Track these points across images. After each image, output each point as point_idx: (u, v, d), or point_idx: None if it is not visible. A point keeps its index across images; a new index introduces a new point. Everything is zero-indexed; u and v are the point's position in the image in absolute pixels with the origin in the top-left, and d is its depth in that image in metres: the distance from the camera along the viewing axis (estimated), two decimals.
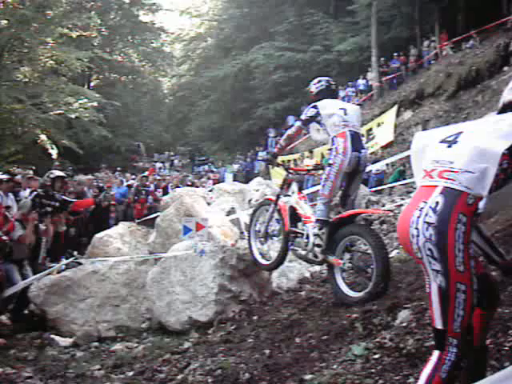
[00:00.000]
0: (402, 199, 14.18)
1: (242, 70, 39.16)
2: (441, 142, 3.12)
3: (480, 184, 2.88)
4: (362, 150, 6.46)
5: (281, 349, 5.44)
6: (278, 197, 7.16)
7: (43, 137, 25.24)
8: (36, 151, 26.11)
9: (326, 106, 6.62)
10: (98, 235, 10.95)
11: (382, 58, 29.80)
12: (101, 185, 17.41)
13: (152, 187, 18.10)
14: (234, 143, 41.92)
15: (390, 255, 8.19)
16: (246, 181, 20.38)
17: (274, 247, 7.34)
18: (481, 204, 2.90)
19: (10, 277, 8.48)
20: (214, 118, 44.17)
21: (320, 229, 6.51)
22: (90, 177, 19.64)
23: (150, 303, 7.89)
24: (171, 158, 48.26)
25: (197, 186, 19.82)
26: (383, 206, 13.69)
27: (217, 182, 25.32)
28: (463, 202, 2.85)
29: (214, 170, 37.69)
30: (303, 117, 6.80)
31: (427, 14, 28.62)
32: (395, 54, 29.42)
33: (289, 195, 7.13)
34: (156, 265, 8.20)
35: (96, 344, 7.53)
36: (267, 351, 5.47)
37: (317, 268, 8.94)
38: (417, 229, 2.88)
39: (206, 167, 41.40)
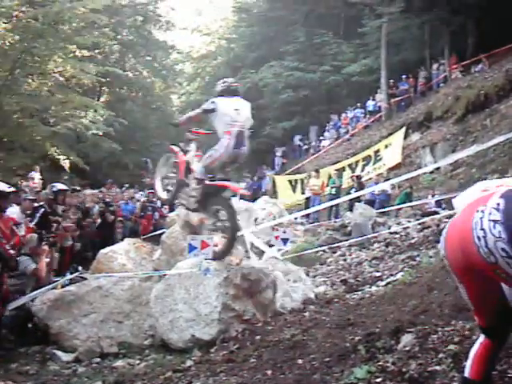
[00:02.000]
0: (409, 221, 14.18)
1: (251, 89, 39.16)
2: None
3: None
4: (242, 148, 7.71)
5: (283, 370, 5.42)
6: (180, 150, 8.80)
7: (52, 150, 25.36)
8: (45, 165, 26.21)
9: (222, 105, 7.69)
10: (103, 251, 10.92)
11: (391, 80, 29.86)
12: (107, 200, 17.40)
13: (159, 203, 18.09)
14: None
15: (395, 278, 8.19)
16: (253, 199, 20.36)
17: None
18: None
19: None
20: None
21: (197, 184, 8.03)
22: (94, 192, 19.67)
23: (154, 320, 7.86)
24: None
25: None
26: (389, 227, 13.70)
27: None
28: None
29: None
30: (203, 106, 8.04)
31: (437, 37, 28.71)
32: (404, 76, 29.48)
33: (188, 150, 8.69)
34: (160, 282, 8.18)
35: (98, 360, 7.50)
36: (269, 372, 5.45)
37: (321, 289, 8.93)
38: (482, 229, 2.81)
39: None
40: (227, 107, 7.69)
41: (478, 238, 2.81)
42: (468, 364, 3.33)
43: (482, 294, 3.07)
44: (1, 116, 23.38)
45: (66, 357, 7.58)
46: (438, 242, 9.58)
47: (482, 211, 2.85)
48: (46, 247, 9.87)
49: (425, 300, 6.00)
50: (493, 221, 2.76)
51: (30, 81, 25.61)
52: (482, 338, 3.31)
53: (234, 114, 7.66)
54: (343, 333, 5.89)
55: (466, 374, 3.32)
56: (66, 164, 25.76)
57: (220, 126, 7.65)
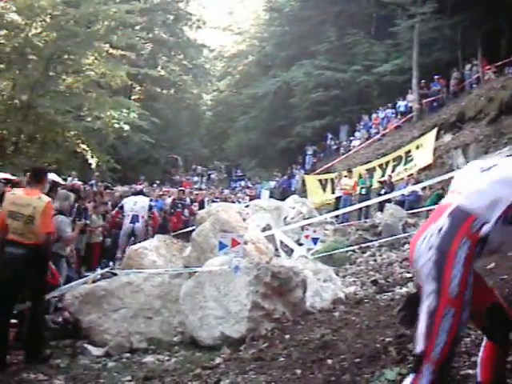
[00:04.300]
0: None
1: (282, 88, 39.21)
2: (478, 168, 3.12)
3: (490, 209, 2.85)
4: None
5: (312, 369, 5.39)
6: None
7: (83, 146, 25.61)
8: (77, 161, 26.49)
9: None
10: (133, 247, 11.00)
11: (423, 81, 29.60)
12: None
13: (189, 201, 18.18)
14: (271, 160, 41.91)
15: None
16: (282, 198, 20.37)
17: None
18: (485, 228, 2.84)
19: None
20: (252, 135, 44.26)
21: None
22: (125, 189, 19.79)
23: (183, 317, 7.88)
24: (208, 173, 48.48)
25: (233, 202, 19.85)
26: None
27: (253, 198, 25.32)
28: (469, 225, 2.83)
29: (251, 186, 37.74)
30: None
31: (470, 38, 28.36)
32: (436, 77, 29.18)
33: None
34: (190, 279, 8.21)
35: (128, 355, 7.54)
36: (299, 371, 5.42)
37: (351, 289, 8.89)
38: (420, 251, 2.89)
39: (243, 183, 41.48)
40: None
41: (417, 257, 2.92)
42: (478, 369, 3.36)
43: None
44: (34, 113, 23.68)
45: (96, 351, 7.63)
46: None
47: (428, 232, 2.93)
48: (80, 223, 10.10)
49: None
50: (430, 245, 2.86)
51: (63, 79, 25.87)
52: (484, 340, 3.34)
53: None
54: (374, 334, 5.85)
55: (478, 378, 3.35)
56: (93, 161, 25.93)
57: None
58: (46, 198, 7.19)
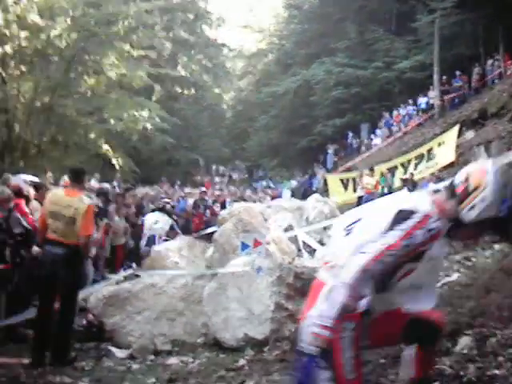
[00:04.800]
0: None
1: (302, 86, 39.09)
2: (344, 229, 3.08)
3: (362, 283, 2.82)
4: None
5: None
6: None
7: (106, 147, 25.75)
8: (99, 162, 26.65)
9: None
10: (156, 248, 11.04)
11: (444, 77, 29.39)
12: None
13: (210, 201, 18.19)
14: (292, 159, 41.81)
15: (450, 279, 8.05)
16: (304, 197, 20.31)
17: None
18: (362, 303, 2.84)
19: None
20: (272, 134, 44.18)
21: None
22: (147, 190, 19.88)
23: (206, 318, 7.90)
24: (229, 173, 48.51)
25: (254, 202, 19.84)
26: None
27: (274, 198, 25.28)
28: (347, 306, 2.80)
29: (272, 185, 37.68)
30: None
31: (491, 33, 28.09)
32: (458, 73, 28.98)
33: None
34: (213, 280, 8.21)
35: (152, 357, 7.57)
36: None
37: None
38: (304, 337, 2.85)
39: (264, 183, 41.43)
40: None
41: (302, 342, 2.88)
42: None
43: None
44: (56, 115, 23.85)
45: (120, 353, 7.67)
46: (494, 242, 9.36)
47: (310, 316, 2.92)
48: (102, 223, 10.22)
49: (482, 302, 5.88)
50: (313, 333, 2.80)
51: (84, 79, 26.02)
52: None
53: None
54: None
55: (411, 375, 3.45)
56: (116, 163, 26.09)
57: None
58: (88, 200, 7.38)
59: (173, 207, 15.78)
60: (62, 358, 6.95)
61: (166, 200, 15.35)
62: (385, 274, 2.82)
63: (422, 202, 2.89)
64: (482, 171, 2.83)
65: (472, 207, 2.78)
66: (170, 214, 14.57)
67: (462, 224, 2.81)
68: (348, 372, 2.73)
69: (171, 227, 14.20)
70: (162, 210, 14.29)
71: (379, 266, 2.68)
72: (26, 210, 8.33)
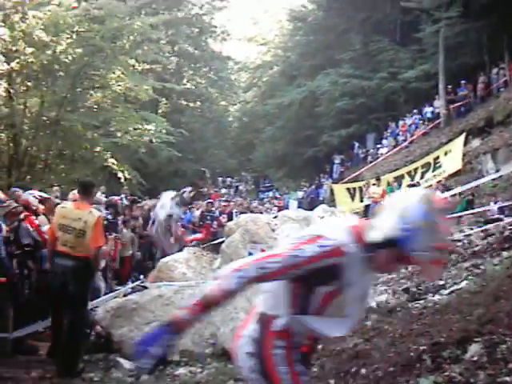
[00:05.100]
0: (471, 229, 13.88)
1: (307, 97, 39.17)
2: None
3: (275, 303, 2.90)
4: None
5: (346, 379, 5.36)
6: None
7: (112, 160, 25.81)
8: (105, 175, 26.71)
9: None
10: (163, 259, 11.06)
11: (450, 86, 29.39)
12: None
13: (217, 213, 18.20)
14: (298, 170, 41.85)
15: (459, 286, 8.02)
16: (311, 208, 20.30)
17: None
18: (279, 322, 2.85)
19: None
20: (278, 145, 44.23)
21: None
22: (154, 201, 19.89)
23: (215, 329, 7.89)
24: (236, 184, 48.57)
25: (261, 213, 19.84)
26: (451, 235, 13.41)
27: (281, 208, 25.29)
28: (272, 326, 2.86)
29: (279, 196, 37.71)
30: None
31: (496, 41, 28.10)
32: (463, 82, 28.97)
33: None
34: None
35: (160, 368, 7.56)
36: (332, 381, 5.40)
37: (383, 298, 8.81)
38: (241, 359, 2.92)
39: (271, 194, 41.46)
40: None
41: (240, 363, 2.96)
42: None
43: None
44: (62, 129, 23.92)
45: (128, 364, 7.65)
46: (503, 249, 9.32)
47: (243, 338, 2.97)
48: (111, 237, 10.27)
49: (491, 309, 5.85)
50: (248, 353, 2.88)
51: (90, 94, 26.13)
52: None
53: None
54: (407, 342, 5.79)
55: None
56: (122, 176, 26.14)
57: None
58: (97, 213, 7.43)
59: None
60: (70, 369, 6.96)
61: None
62: (297, 294, 2.83)
63: (335, 228, 2.85)
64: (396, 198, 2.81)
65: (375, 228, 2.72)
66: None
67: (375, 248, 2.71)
68: None
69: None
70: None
71: (260, 271, 2.65)
72: (36, 222, 8.41)
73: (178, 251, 12.38)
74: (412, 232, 2.53)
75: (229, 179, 49.27)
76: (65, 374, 6.89)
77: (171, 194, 15.66)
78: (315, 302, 2.77)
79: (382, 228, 2.62)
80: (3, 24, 21.68)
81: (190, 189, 18.81)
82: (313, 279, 2.71)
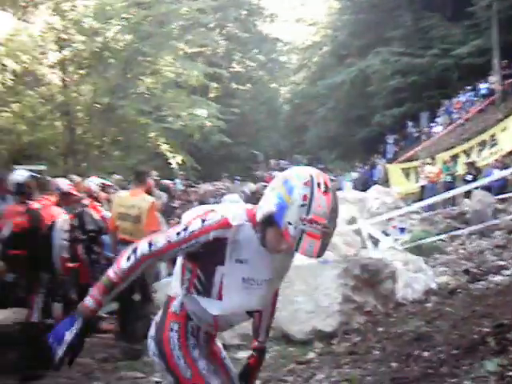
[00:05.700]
0: None
1: (358, 77, 38.74)
2: None
3: (176, 284, 2.89)
4: None
5: (408, 362, 5.34)
6: None
7: (165, 146, 26.06)
8: (159, 161, 26.98)
9: None
10: None
11: (505, 61, 28.70)
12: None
13: None
14: (351, 151, 41.46)
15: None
16: (365, 189, 20.17)
17: None
18: (176, 303, 2.85)
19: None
20: (330, 126, 43.99)
21: None
22: (209, 186, 20.02)
23: None
24: (289, 166, 48.37)
25: None
26: (511, 213, 13.19)
27: (336, 189, 25.16)
28: (171, 308, 2.86)
29: (333, 178, 37.51)
30: None
31: None
32: None
33: None
34: None
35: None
36: (394, 364, 5.39)
37: (443, 279, 8.74)
38: (148, 343, 2.93)
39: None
40: None
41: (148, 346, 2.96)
42: None
43: None
44: (116, 116, 24.27)
45: None
46: None
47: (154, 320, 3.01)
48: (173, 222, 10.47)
49: None
50: (150, 337, 2.90)
51: (141, 80, 26.38)
52: None
53: None
54: (470, 324, 5.74)
55: None
56: (173, 161, 26.37)
57: None
58: (150, 198, 7.62)
59: None
60: (133, 349, 7.12)
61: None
62: (196, 274, 2.76)
63: (230, 207, 2.84)
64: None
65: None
66: None
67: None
68: (185, 371, 2.75)
69: None
70: None
71: (151, 248, 2.61)
72: (99, 208, 8.67)
73: None
74: (280, 206, 2.50)
75: (282, 161, 49.18)
76: (127, 355, 7.08)
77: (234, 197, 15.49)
78: (217, 282, 2.72)
79: (263, 207, 2.61)
80: (54, 13, 22.06)
81: (250, 185, 18.67)
82: (207, 257, 2.68)
